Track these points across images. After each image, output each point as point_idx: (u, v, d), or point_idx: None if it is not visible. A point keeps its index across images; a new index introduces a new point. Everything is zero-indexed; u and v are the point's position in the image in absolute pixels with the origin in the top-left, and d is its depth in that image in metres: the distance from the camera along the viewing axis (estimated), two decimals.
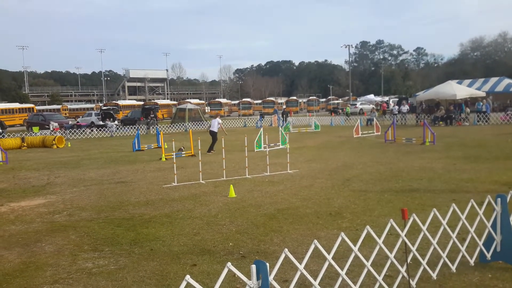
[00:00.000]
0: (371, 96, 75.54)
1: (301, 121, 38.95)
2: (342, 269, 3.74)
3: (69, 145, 24.64)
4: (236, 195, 9.34)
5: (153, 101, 72.19)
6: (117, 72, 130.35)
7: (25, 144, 23.89)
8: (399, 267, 4.21)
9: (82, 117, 43.49)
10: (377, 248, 4.07)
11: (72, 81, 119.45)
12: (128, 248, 6.17)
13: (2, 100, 73.00)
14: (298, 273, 3.39)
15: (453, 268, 4.78)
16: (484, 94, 32.81)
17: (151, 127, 34.14)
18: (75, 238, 6.77)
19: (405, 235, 4.20)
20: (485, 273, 4.76)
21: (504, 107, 37.10)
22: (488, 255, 4.95)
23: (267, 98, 77.06)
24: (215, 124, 18.38)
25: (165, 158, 16.26)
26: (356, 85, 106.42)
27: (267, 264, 2.98)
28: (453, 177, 10.57)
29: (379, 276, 4.03)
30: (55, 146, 23.39)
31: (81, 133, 31.43)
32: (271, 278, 3.03)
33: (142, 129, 33.00)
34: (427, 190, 9.23)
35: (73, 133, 31.22)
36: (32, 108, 54.04)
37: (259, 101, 73.48)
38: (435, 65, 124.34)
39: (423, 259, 4.49)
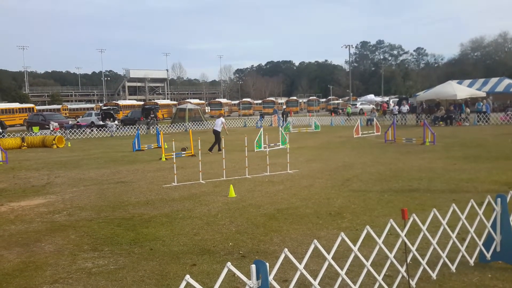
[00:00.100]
0: (371, 96, 75.55)
1: (301, 121, 38.95)
2: (342, 269, 3.74)
3: (69, 145, 24.64)
4: (236, 195, 9.34)
5: (153, 101, 72.17)
6: (117, 72, 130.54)
7: (25, 144, 23.90)
8: (399, 267, 4.21)
9: (82, 117, 43.51)
10: (377, 248, 4.07)
11: (72, 81, 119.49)
12: (128, 248, 6.17)
13: (2, 100, 73.06)
14: (298, 273, 3.39)
15: (453, 268, 4.77)
16: (484, 94, 32.82)
17: (151, 127, 34.15)
18: (75, 238, 6.77)
19: (405, 235, 4.19)
20: (485, 273, 4.76)
21: (504, 107, 37.12)
22: (488, 255, 4.95)
23: (267, 98, 77.05)
24: (219, 123, 18.44)
25: (165, 158, 16.26)
26: (356, 85, 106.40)
27: (267, 264, 2.98)
28: (453, 177, 10.57)
29: (379, 276, 4.03)
30: (55, 146, 23.39)
31: (81, 133, 31.43)
32: (271, 278, 3.03)
33: (142, 129, 33.02)
34: (427, 190, 9.23)
35: (73, 133, 31.23)
36: (32, 108, 54.05)
37: (259, 101, 73.48)
38: (435, 65, 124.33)
39: (423, 259, 4.49)
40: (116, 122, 37.66)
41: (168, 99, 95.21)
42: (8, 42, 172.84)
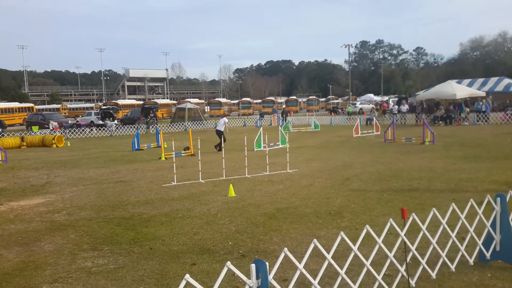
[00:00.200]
0: (371, 96, 75.54)
1: (300, 120, 38.95)
2: (341, 268, 3.74)
3: (69, 145, 24.63)
4: (235, 194, 9.34)
5: (152, 100, 72.14)
6: (117, 71, 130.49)
7: (24, 144, 23.89)
8: (399, 266, 4.21)
9: (82, 116, 43.52)
10: (377, 247, 4.07)
11: (71, 81, 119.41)
12: (128, 247, 6.17)
13: (2, 99, 72.96)
14: (298, 272, 3.39)
15: (453, 267, 4.78)
16: (483, 94, 32.83)
17: (150, 127, 34.15)
18: (74, 237, 6.77)
19: (404, 235, 4.19)
20: (484, 273, 4.76)
21: (503, 106, 37.11)
22: (488, 255, 4.95)
23: (267, 98, 77.02)
24: (221, 123, 18.50)
25: (165, 158, 16.25)
26: (355, 85, 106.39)
27: (267, 263, 2.98)
28: (453, 176, 10.57)
29: (379, 275, 4.03)
30: (54, 146, 23.38)
31: (81, 133, 31.42)
32: (270, 277, 3.03)
33: (142, 128, 33.01)
34: (426, 189, 9.24)
35: (72, 133, 31.21)
36: (32, 107, 54.02)
37: (259, 101, 73.46)
38: (435, 64, 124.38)
39: (423, 259, 4.49)
40: (115, 121, 37.64)
41: (167, 98, 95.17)
42: (7, 41, 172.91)
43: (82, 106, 74.22)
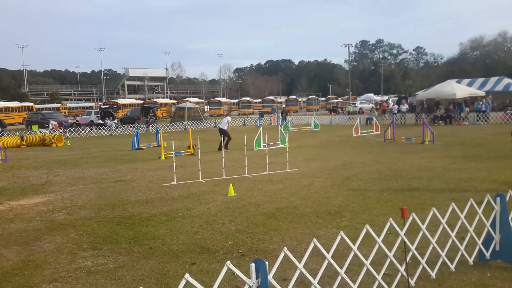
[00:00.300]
0: (371, 95, 75.52)
1: (300, 120, 38.95)
2: (341, 268, 3.74)
3: (68, 144, 24.62)
4: (235, 194, 9.34)
5: (152, 100, 72.11)
6: (117, 71, 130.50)
7: (24, 143, 23.88)
8: (398, 266, 4.21)
9: (82, 115, 43.48)
10: (376, 247, 4.07)
11: (71, 80, 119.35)
12: (127, 246, 6.17)
13: (2, 98, 72.92)
14: (298, 272, 3.39)
15: (452, 267, 4.78)
16: (483, 94, 32.82)
17: (150, 126, 34.14)
18: (74, 236, 6.77)
19: (404, 234, 4.19)
20: (484, 272, 4.76)
21: (503, 106, 37.09)
22: (487, 254, 4.95)
23: (267, 97, 76.98)
24: (225, 121, 18.52)
25: (165, 157, 16.25)
26: (355, 84, 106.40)
27: (266, 262, 2.98)
28: (453, 176, 10.58)
29: (378, 275, 4.04)
30: (54, 145, 23.37)
31: (81, 132, 31.40)
32: (270, 276, 3.03)
33: (142, 128, 33.00)
34: (426, 189, 9.24)
35: (72, 132, 31.19)
36: (32, 106, 53.98)
37: (259, 100, 73.44)
38: (435, 64, 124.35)
39: (422, 258, 4.49)
40: (115, 121, 37.62)
41: (167, 98, 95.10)
42: (7, 40, 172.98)
43: (82, 106, 74.20)
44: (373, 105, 56.08)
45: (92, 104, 76.74)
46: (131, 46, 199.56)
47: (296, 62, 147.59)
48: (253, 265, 2.95)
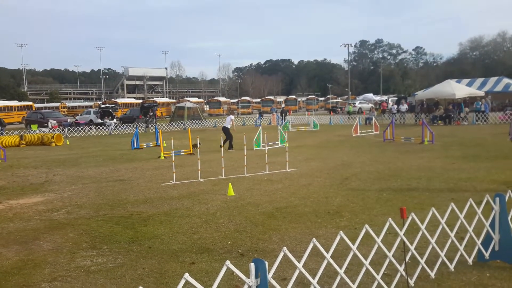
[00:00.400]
0: (370, 95, 75.52)
1: (300, 119, 38.95)
2: (340, 267, 3.74)
3: (68, 143, 24.61)
4: (234, 193, 9.34)
5: (152, 99, 72.07)
6: (116, 70, 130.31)
7: (23, 142, 23.85)
8: (398, 266, 4.21)
9: (81, 115, 43.45)
10: (376, 247, 4.07)
11: (71, 79, 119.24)
12: (127, 246, 6.16)
13: (1, 97, 72.89)
14: (297, 272, 3.39)
15: (452, 267, 4.78)
16: (483, 94, 32.82)
17: (149, 125, 34.13)
18: (73, 236, 6.76)
19: (403, 234, 4.20)
20: (483, 272, 4.76)
21: (502, 106, 37.13)
22: (487, 254, 4.96)
23: (266, 97, 76.97)
24: (228, 120, 18.52)
25: (164, 156, 16.24)
26: (355, 84, 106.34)
27: (266, 262, 2.98)
28: (452, 176, 10.58)
29: (378, 274, 4.04)
30: (53, 144, 23.35)
31: (80, 131, 31.37)
32: (269, 276, 3.03)
33: (141, 127, 32.98)
34: (425, 189, 9.24)
35: (71, 131, 31.16)
36: (31, 106, 53.95)
37: (258, 100, 73.39)
38: (434, 64, 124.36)
39: (422, 258, 4.49)
40: (114, 120, 37.59)
41: (167, 97, 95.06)
42: (7, 40, 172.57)
43: (81, 105, 74.12)
44: (372, 105, 56.09)
45: (91, 103, 76.64)
46: (130, 46, 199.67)
47: (296, 62, 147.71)
48: (252, 265, 2.95)
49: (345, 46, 78.09)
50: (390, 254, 4.16)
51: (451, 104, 31.00)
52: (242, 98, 75.35)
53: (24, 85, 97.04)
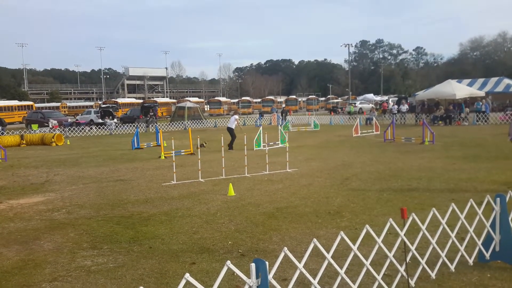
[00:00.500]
0: (371, 95, 75.50)
1: (300, 120, 38.94)
2: (341, 268, 3.74)
3: (68, 143, 24.61)
4: (235, 193, 9.34)
5: (152, 99, 72.07)
6: (117, 70, 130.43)
7: (24, 142, 23.87)
8: (398, 266, 4.21)
9: (81, 115, 43.47)
10: (376, 247, 4.07)
11: (71, 79, 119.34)
12: (127, 246, 6.16)
13: (1, 97, 72.91)
14: (298, 272, 3.39)
15: (452, 267, 4.78)
16: (483, 94, 32.80)
17: (150, 125, 34.13)
18: (74, 235, 6.76)
19: (404, 235, 4.19)
20: (484, 273, 4.76)
21: (503, 107, 37.12)
22: (487, 255, 4.95)
23: (267, 97, 76.97)
24: (232, 120, 18.49)
25: (164, 156, 16.25)
26: (355, 84, 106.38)
27: (267, 262, 2.98)
28: (452, 176, 10.58)
29: (378, 275, 4.03)
30: (54, 144, 23.36)
31: (80, 131, 31.39)
32: (270, 276, 3.03)
33: (141, 127, 32.99)
34: (426, 189, 9.24)
35: (72, 131, 31.18)
36: (31, 105, 53.96)
37: (259, 100, 73.39)
38: (435, 64, 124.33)
39: (422, 259, 4.49)
40: (115, 120, 37.62)
41: (167, 97, 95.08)
42: (7, 39, 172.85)
43: (82, 105, 74.17)
44: (373, 105, 56.07)
45: (92, 103, 76.68)
46: (131, 46, 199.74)
47: (296, 62, 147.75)
48: (253, 265, 2.94)
49: (345, 46, 78.17)
50: (390, 255, 4.16)
51: (451, 105, 30.98)
52: (243, 98, 75.36)
53: (25, 85, 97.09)
